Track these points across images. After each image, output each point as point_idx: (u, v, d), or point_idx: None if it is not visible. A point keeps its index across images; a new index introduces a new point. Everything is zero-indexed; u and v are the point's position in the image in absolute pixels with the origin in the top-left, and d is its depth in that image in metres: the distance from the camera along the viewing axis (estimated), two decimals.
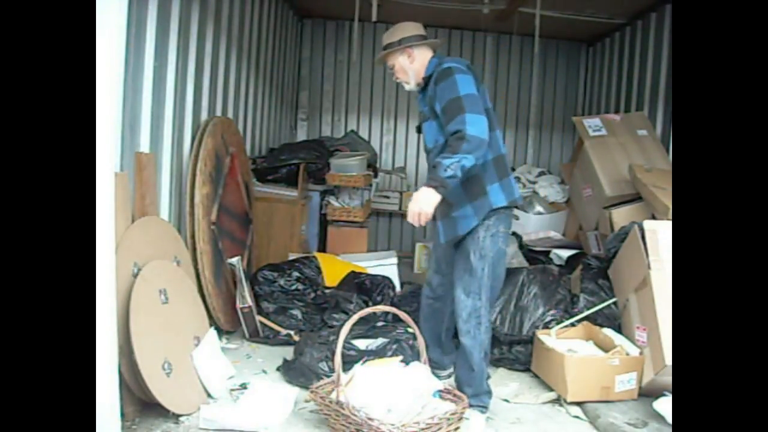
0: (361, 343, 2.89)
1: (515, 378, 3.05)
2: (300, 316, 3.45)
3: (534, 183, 5.36)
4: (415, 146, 6.45)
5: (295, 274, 3.68)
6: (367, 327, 3.04)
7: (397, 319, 2.76)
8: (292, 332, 3.32)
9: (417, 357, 2.60)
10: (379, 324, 3.10)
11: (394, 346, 2.82)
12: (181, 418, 2.36)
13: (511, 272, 3.36)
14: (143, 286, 2.37)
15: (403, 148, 6.52)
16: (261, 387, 2.65)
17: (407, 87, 2.74)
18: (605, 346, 2.86)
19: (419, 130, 2.79)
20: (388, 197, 5.94)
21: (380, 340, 2.90)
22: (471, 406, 2.50)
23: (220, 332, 3.25)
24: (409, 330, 2.87)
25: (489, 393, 2.62)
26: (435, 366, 2.84)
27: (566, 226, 4.79)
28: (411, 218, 2.37)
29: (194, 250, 3.14)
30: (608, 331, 2.93)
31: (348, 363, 2.56)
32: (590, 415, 2.63)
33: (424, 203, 2.34)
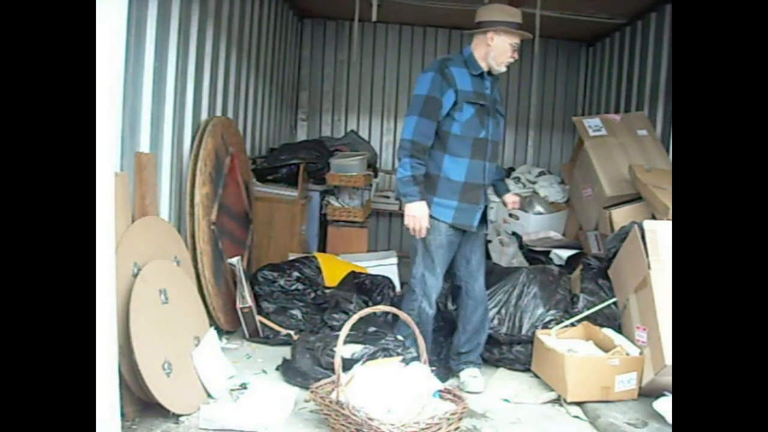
0: (348, 350, 2.75)
1: (515, 378, 3.05)
2: (300, 316, 3.45)
3: (534, 183, 5.35)
4: None
5: (295, 274, 3.67)
6: (357, 332, 2.87)
7: (396, 318, 2.74)
8: (292, 332, 3.32)
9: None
10: (371, 330, 2.96)
11: (382, 354, 2.74)
12: (181, 418, 2.36)
13: (511, 272, 3.36)
14: (143, 286, 2.37)
15: None
16: (261, 387, 2.65)
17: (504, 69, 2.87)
18: (605, 346, 2.86)
19: (481, 109, 2.81)
20: (388, 197, 5.93)
21: (369, 348, 2.77)
22: (477, 364, 2.97)
23: (220, 332, 3.24)
24: (399, 338, 2.85)
25: None
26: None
27: (566, 226, 4.78)
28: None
29: (194, 250, 3.14)
30: (608, 331, 2.93)
31: (332, 370, 2.47)
32: (590, 415, 2.63)
33: None
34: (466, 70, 2.78)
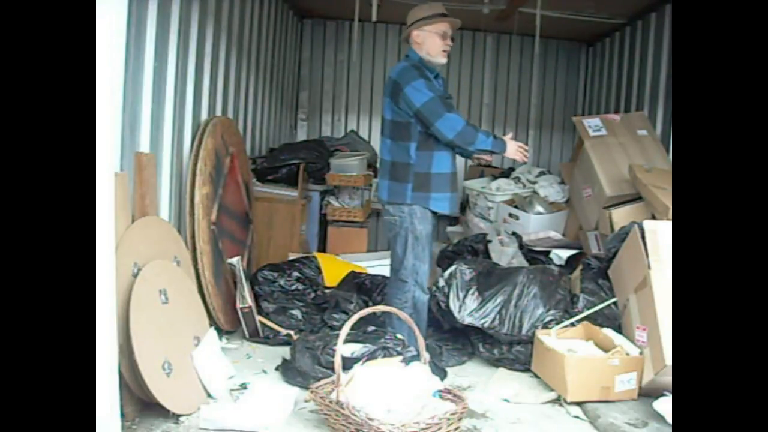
0: (347, 349, 2.74)
1: (515, 378, 3.05)
2: (300, 316, 3.45)
3: (534, 183, 5.35)
4: None
5: (295, 274, 3.68)
6: (357, 331, 2.89)
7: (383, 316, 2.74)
8: (292, 332, 3.32)
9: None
10: (370, 329, 2.98)
11: (382, 354, 2.74)
12: (181, 418, 2.36)
13: (511, 272, 3.36)
14: (143, 286, 2.37)
15: None
16: (261, 387, 2.65)
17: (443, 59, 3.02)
18: (605, 346, 2.86)
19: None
20: None
21: (368, 347, 2.78)
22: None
23: (220, 332, 3.25)
24: (399, 336, 2.85)
25: None
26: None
27: (566, 226, 4.78)
28: None
29: (194, 250, 3.15)
30: (608, 331, 2.93)
31: (332, 369, 2.46)
32: (590, 415, 2.63)
33: None
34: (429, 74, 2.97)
